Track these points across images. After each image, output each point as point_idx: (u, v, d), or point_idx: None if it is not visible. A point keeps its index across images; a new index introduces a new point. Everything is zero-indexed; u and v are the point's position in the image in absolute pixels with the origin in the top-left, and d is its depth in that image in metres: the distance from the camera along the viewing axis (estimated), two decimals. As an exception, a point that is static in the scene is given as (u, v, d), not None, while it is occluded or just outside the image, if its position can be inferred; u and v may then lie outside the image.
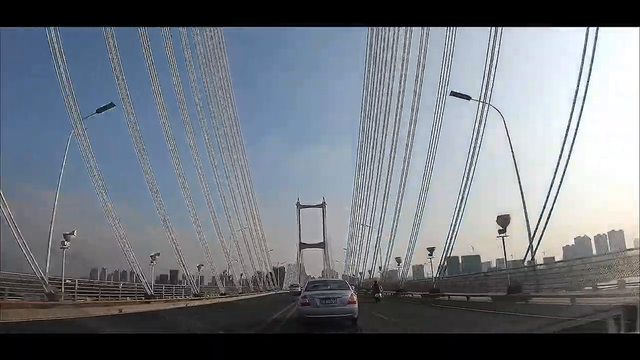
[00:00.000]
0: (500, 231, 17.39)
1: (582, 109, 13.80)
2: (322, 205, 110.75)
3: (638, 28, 11.21)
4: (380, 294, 25.20)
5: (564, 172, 14.54)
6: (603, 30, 12.72)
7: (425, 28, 22.30)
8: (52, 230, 17.40)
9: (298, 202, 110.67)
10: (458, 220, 21.42)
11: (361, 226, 49.45)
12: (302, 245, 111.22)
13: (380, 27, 27.16)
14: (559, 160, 14.67)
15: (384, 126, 32.60)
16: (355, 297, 10.10)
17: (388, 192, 33.94)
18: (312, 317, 9.81)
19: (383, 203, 35.65)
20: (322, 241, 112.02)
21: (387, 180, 33.34)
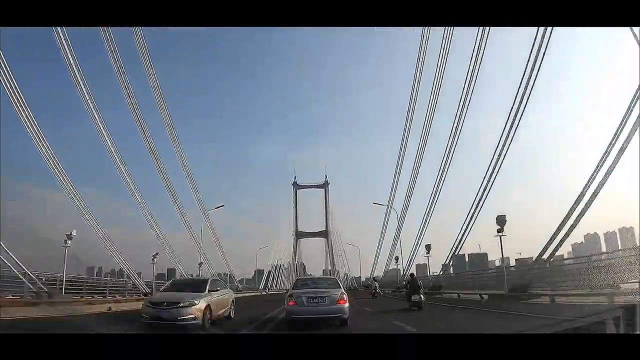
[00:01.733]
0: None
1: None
2: (325, 186, 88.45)
3: (638, 28, 11.11)
4: (422, 296, 15.44)
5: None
6: (603, 30, 12.67)
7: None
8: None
9: (295, 182, 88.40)
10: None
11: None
12: (300, 235, 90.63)
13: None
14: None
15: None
16: (345, 297, 9.73)
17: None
18: (298, 317, 9.44)
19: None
20: (324, 229, 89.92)
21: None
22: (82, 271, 21.21)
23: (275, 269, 77.68)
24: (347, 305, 9.58)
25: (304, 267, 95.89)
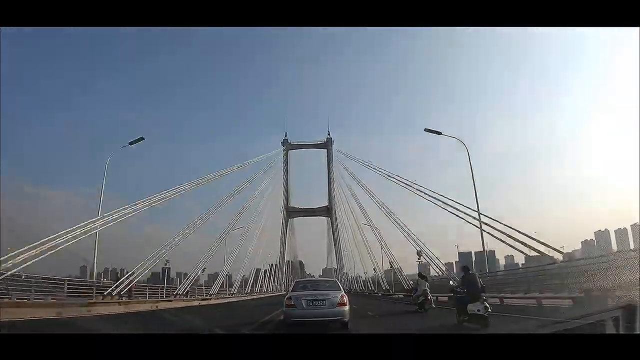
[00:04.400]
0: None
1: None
2: (327, 145, 64.16)
3: (638, 28, 10.99)
4: (488, 306, 9.09)
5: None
6: (603, 30, 12.45)
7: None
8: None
9: (285, 140, 63.58)
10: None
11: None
12: (293, 212, 66.87)
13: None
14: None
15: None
16: (346, 299, 9.60)
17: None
18: (297, 320, 9.28)
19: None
20: (327, 205, 65.64)
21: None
22: (76, 270, 21.09)
23: (270, 267, 60.15)
24: (347, 307, 9.54)
25: (302, 265, 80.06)
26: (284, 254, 64.10)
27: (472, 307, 8.95)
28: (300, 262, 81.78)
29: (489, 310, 8.89)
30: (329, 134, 65.59)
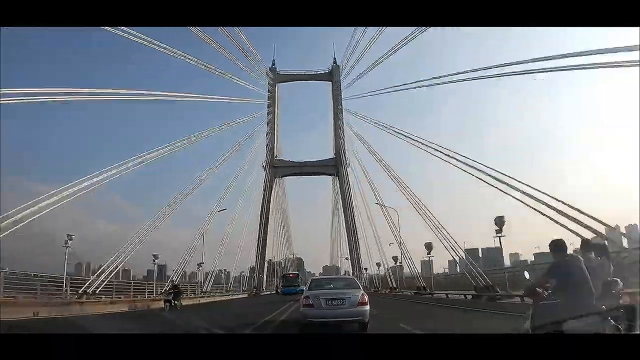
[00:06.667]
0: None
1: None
2: (332, 76, 46.69)
3: (638, 28, 10.82)
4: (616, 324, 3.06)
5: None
6: (603, 30, 12.28)
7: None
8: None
9: (273, 68, 46.84)
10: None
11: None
12: (281, 168, 47.71)
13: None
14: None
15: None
16: (367, 298, 9.12)
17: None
18: (315, 321, 8.78)
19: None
20: (333, 157, 47.84)
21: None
22: (71, 268, 22.20)
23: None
24: (368, 307, 9.04)
25: (301, 262, 65.56)
26: (265, 233, 47.54)
27: (579, 327, 3.76)
28: (299, 259, 71.96)
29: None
30: (335, 62, 46.63)
